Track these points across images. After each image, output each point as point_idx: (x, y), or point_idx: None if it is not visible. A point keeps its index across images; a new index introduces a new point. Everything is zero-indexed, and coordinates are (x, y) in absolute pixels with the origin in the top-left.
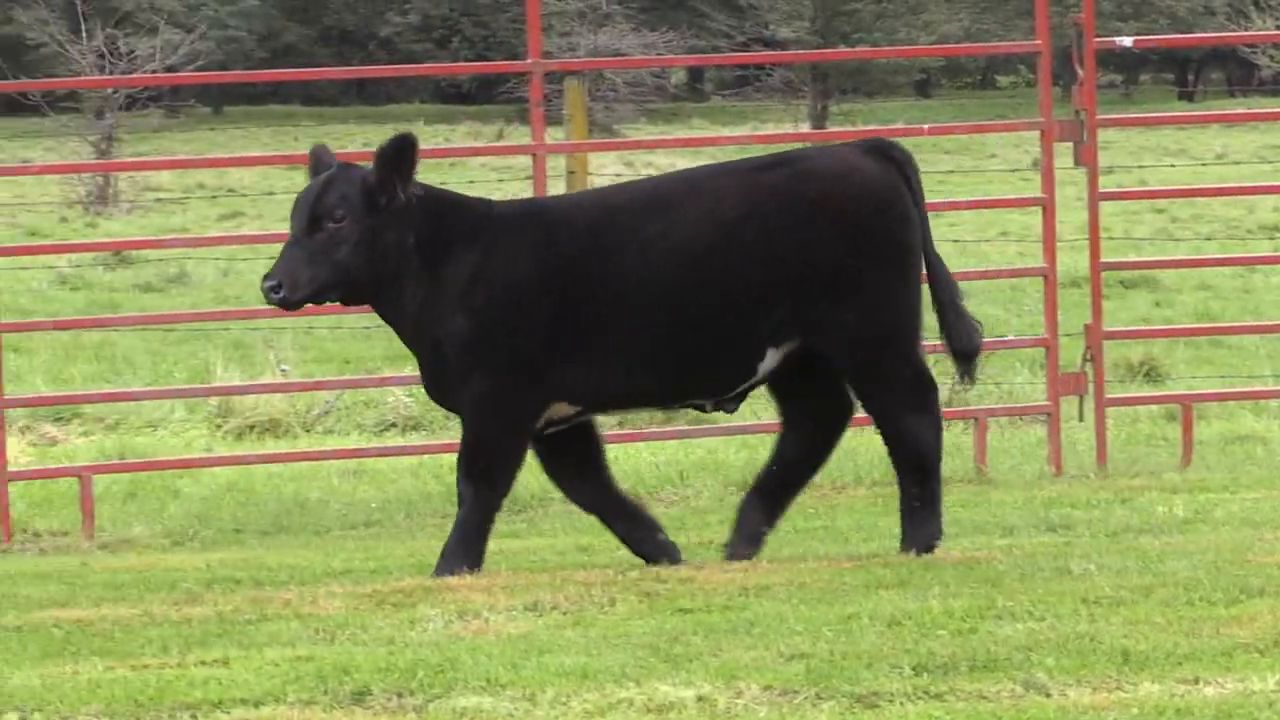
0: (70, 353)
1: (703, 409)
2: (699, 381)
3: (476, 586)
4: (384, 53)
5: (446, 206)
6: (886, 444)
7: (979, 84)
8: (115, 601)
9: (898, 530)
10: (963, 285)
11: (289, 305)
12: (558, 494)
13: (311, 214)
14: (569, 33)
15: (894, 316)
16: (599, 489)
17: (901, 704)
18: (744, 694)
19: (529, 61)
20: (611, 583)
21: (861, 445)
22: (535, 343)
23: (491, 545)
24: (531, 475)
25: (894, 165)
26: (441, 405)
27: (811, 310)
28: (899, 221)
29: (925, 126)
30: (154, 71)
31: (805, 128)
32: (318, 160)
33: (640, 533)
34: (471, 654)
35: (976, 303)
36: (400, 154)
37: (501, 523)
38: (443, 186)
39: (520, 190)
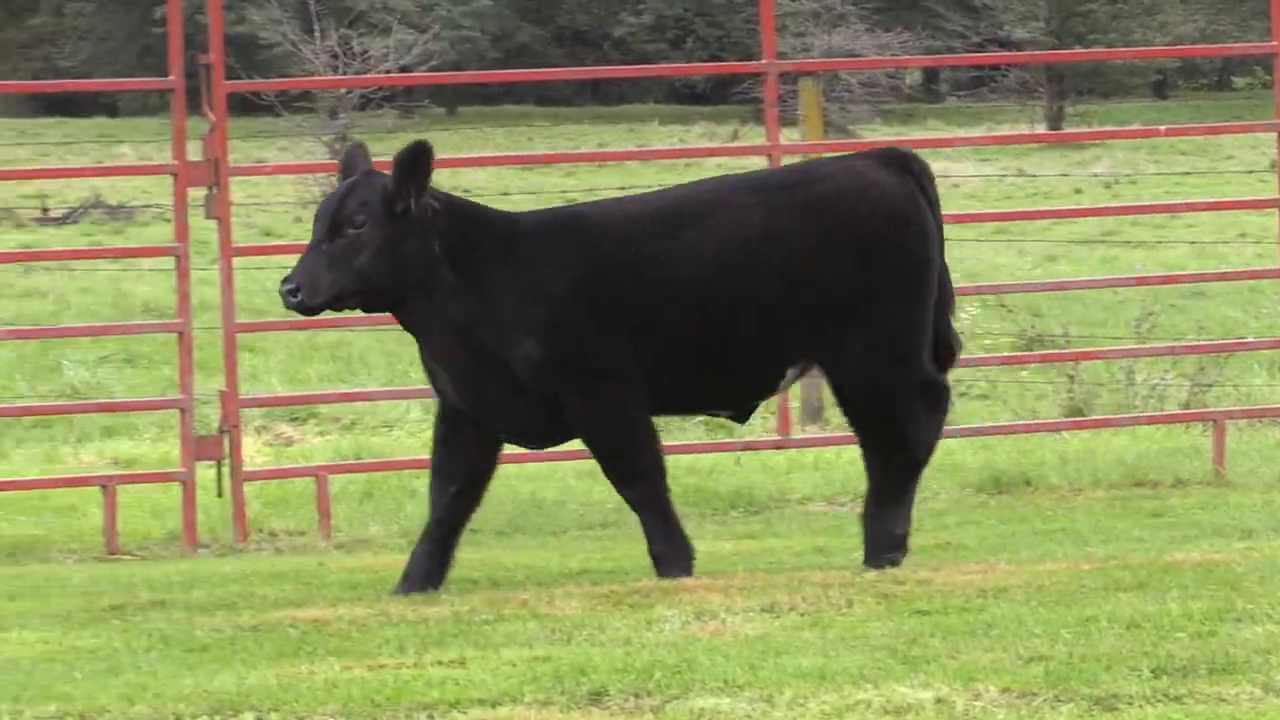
0: (305, 353)
1: (717, 414)
2: (722, 393)
3: (713, 587)
4: (618, 53)
5: (474, 217)
6: (887, 444)
7: (1215, 85)
8: (352, 601)
9: (1137, 533)
10: (1200, 287)
11: (307, 310)
12: (795, 495)
13: (333, 219)
14: (803, 33)
15: (905, 332)
16: (462, 508)
17: (1140, 707)
18: (982, 696)
19: (763, 62)
20: (849, 584)
21: (1099, 447)
22: (604, 344)
23: (727, 546)
24: (769, 477)
25: (911, 177)
26: (478, 416)
27: (825, 328)
28: (917, 237)
29: (1162, 128)
30: (387, 71)
31: (1041, 128)
32: (350, 161)
33: (430, 561)
34: (708, 655)
35: (1214, 304)
36: (416, 162)
37: (738, 524)
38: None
39: None
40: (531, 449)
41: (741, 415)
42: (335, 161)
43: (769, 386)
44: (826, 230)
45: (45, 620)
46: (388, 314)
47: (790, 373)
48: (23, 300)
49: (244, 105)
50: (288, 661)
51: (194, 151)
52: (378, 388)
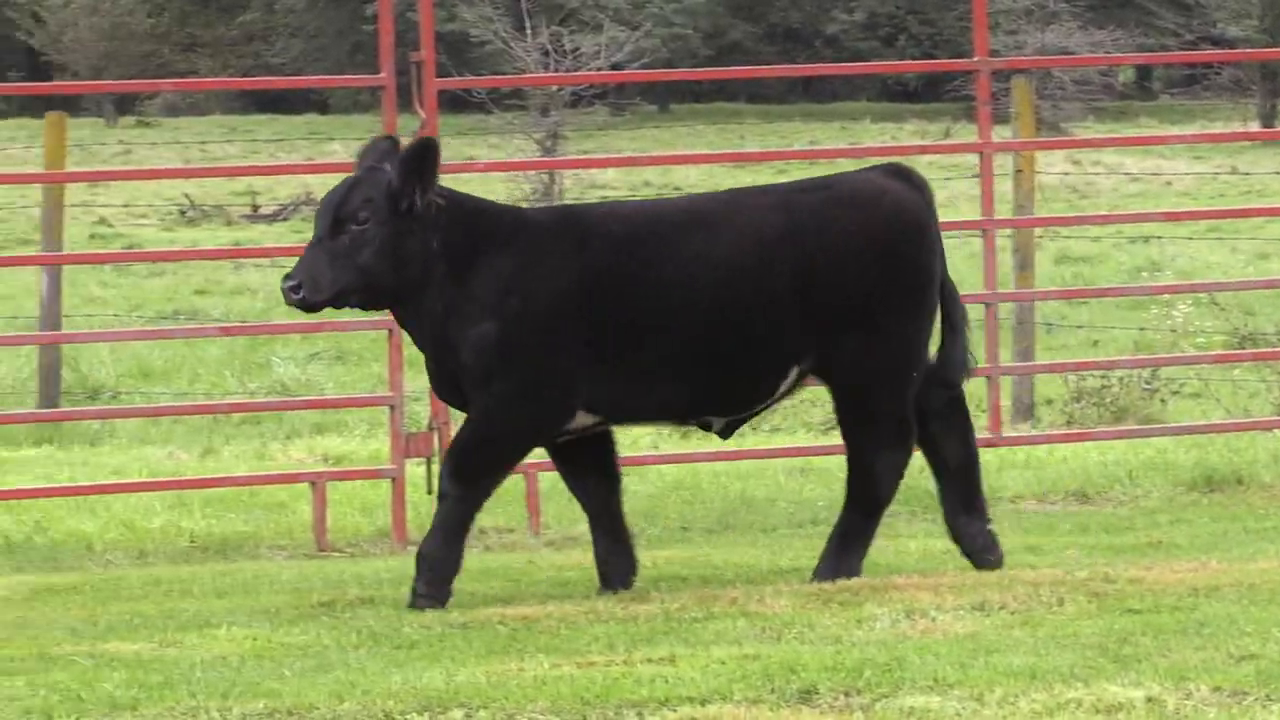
0: None
1: (709, 428)
2: (724, 397)
3: (924, 586)
4: (830, 50)
5: (475, 213)
6: (851, 472)
7: None
8: (561, 599)
9: None
10: None
11: (309, 307)
12: (1006, 493)
13: (335, 216)
14: (1016, 30)
15: (906, 346)
16: (608, 495)
17: None
18: (1193, 695)
19: (976, 60)
20: (1060, 583)
21: None
22: (567, 353)
23: (938, 544)
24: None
25: (918, 191)
26: (453, 405)
27: (834, 334)
28: (929, 249)
29: None
30: (599, 69)
31: (1254, 126)
32: (370, 154)
33: (617, 559)
34: (919, 653)
35: None
36: (423, 159)
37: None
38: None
39: (967, 189)
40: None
41: (728, 429)
42: (546, 159)
43: (769, 390)
44: (844, 233)
45: (254, 617)
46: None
47: (792, 374)
48: (233, 297)
49: (455, 102)
50: (497, 659)
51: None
52: None
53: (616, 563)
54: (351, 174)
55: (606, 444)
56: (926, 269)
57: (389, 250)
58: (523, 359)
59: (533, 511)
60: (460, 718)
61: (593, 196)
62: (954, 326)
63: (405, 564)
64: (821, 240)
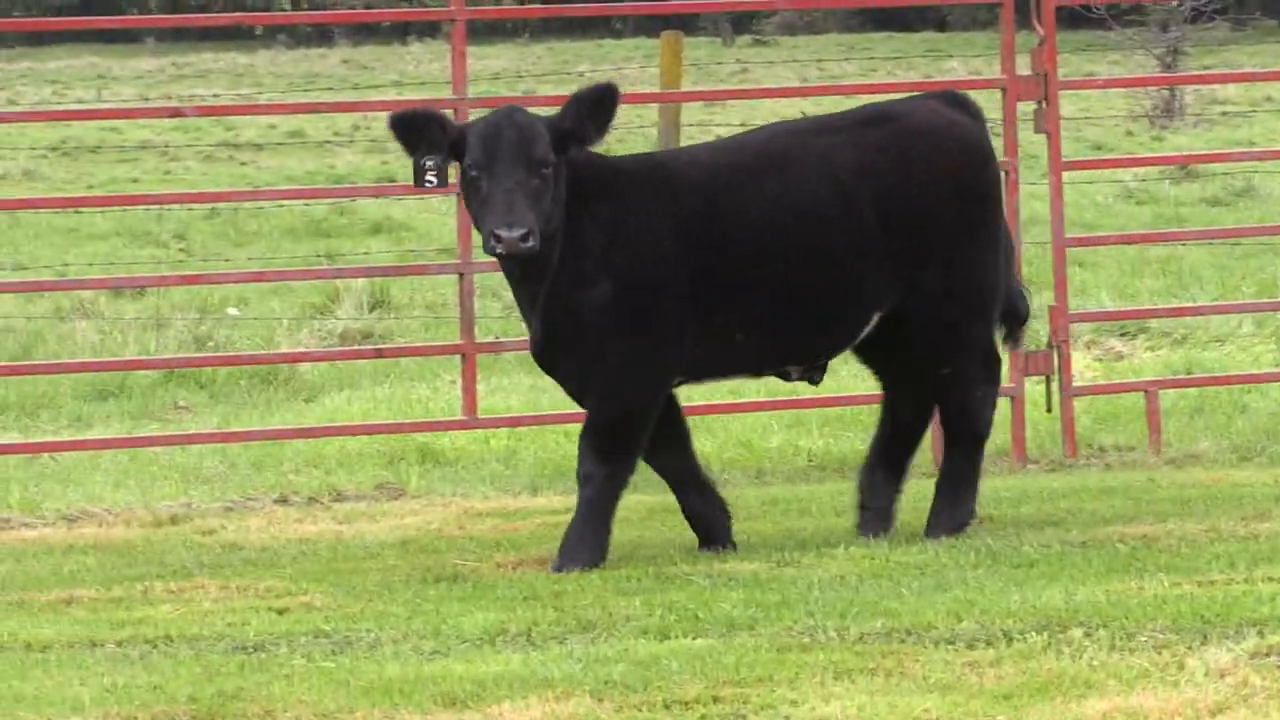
0: (1136, 267)
1: (788, 377)
2: (810, 344)
3: None
4: None
5: (581, 162)
6: (946, 412)
7: None
8: (1181, 517)
9: None
10: None
11: (527, 256)
12: None
13: (529, 158)
14: None
15: (986, 275)
16: (682, 456)
17: None
18: None
19: None
20: None
21: None
22: (676, 306)
23: None
24: None
25: (978, 120)
26: (549, 373)
27: (914, 269)
28: (995, 178)
29: None
30: None
31: None
32: (422, 125)
33: (710, 510)
34: None
35: None
36: (602, 103)
37: None
38: None
39: None
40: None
41: (816, 375)
42: (1166, 75)
43: (854, 334)
44: (919, 165)
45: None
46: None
47: (874, 317)
48: None
49: (1073, 19)
50: (1116, 577)
51: (1023, 66)
52: (1208, 302)
53: (711, 516)
54: (506, 113)
55: (674, 403)
56: (997, 197)
57: (557, 196)
58: (633, 319)
59: (1153, 430)
60: (1079, 636)
61: (1215, 112)
62: (1005, 266)
63: (1024, 482)
64: (898, 176)
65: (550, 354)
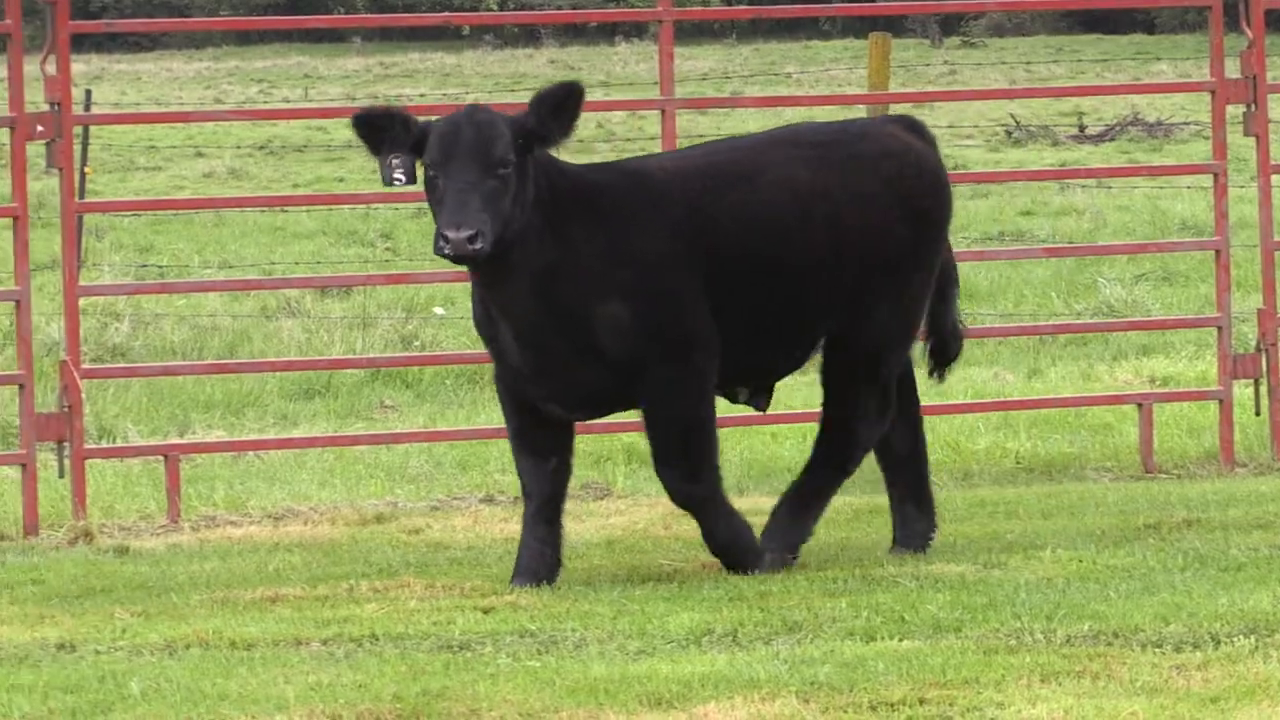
0: None
1: (735, 399)
2: (763, 362)
3: None
4: None
5: (557, 169)
6: (826, 429)
7: None
8: None
9: None
10: None
11: (482, 260)
12: None
13: (487, 158)
14: None
15: (918, 307)
16: (561, 482)
17: None
18: None
19: None
20: None
21: None
22: (690, 310)
23: None
24: None
25: (931, 146)
26: (535, 378)
27: (860, 292)
28: (947, 205)
29: None
30: None
31: None
32: (387, 127)
33: (549, 548)
34: None
35: None
36: (566, 101)
37: None
38: None
39: None
40: (578, 418)
41: (761, 398)
42: None
43: (805, 354)
44: (876, 188)
45: (1079, 538)
46: None
47: (821, 340)
48: (1059, 218)
49: None
50: None
51: (1232, 69)
52: None
53: (546, 552)
54: (467, 114)
55: (569, 430)
56: (941, 224)
57: (520, 196)
58: (661, 332)
59: None
60: None
61: None
62: (943, 295)
63: (1232, 486)
64: (853, 197)
65: (542, 368)
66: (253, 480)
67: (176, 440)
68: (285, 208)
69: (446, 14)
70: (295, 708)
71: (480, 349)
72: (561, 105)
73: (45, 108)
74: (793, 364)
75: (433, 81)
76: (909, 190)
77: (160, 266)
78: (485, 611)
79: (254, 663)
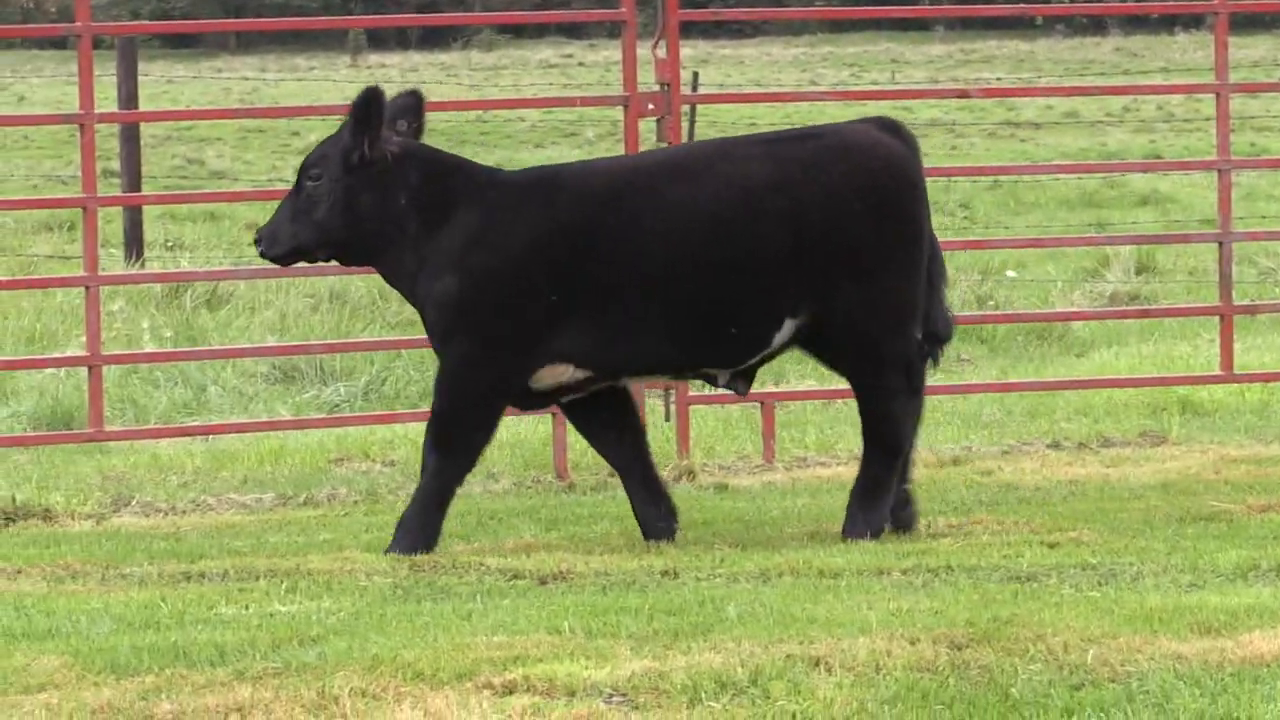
0: None
1: (714, 381)
2: (714, 349)
3: None
4: None
5: (448, 169)
6: (865, 420)
7: None
8: None
9: None
10: None
11: (271, 260)
12: None
13: (299, 172)
14: None
15: (906, 294)
16: (630, 450)
17: None
18: None
19: None
20: None
21: None
22: (531, 309)
23: None
24: None
25: (907, 144)
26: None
27: (831, 284)
28: (921, 200)
29: None
30: None
31: None
32: (390, 107)
33: (651, 507)
34: None
35: None
36: (368, 109)
37: None
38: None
39: None
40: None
41: (741, 383)
42: None
43: (763, 342)
44: (837, 182)
45: None
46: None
47: (788, 325)
48: None
49: None
50: None
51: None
52: None
53: (655, 513)
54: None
55: (623, 397)
56: (919, 220)
57: (342, 206)
58: (481, 315)
59: None
60: None
61: None
62: (933, 285)
63: None
64: (812, 192)
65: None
66: (841, 425)
67: (772, 389)
68: None
69: (1022, 5)
70: (877, 631)
71: (1050, 308)
72: (364, 117)
73: (656, 88)
74: (753, 349)
75: (1008, 66)
76: (870, 183)
77: None
78: (1050, 546)
79: (839, 590)
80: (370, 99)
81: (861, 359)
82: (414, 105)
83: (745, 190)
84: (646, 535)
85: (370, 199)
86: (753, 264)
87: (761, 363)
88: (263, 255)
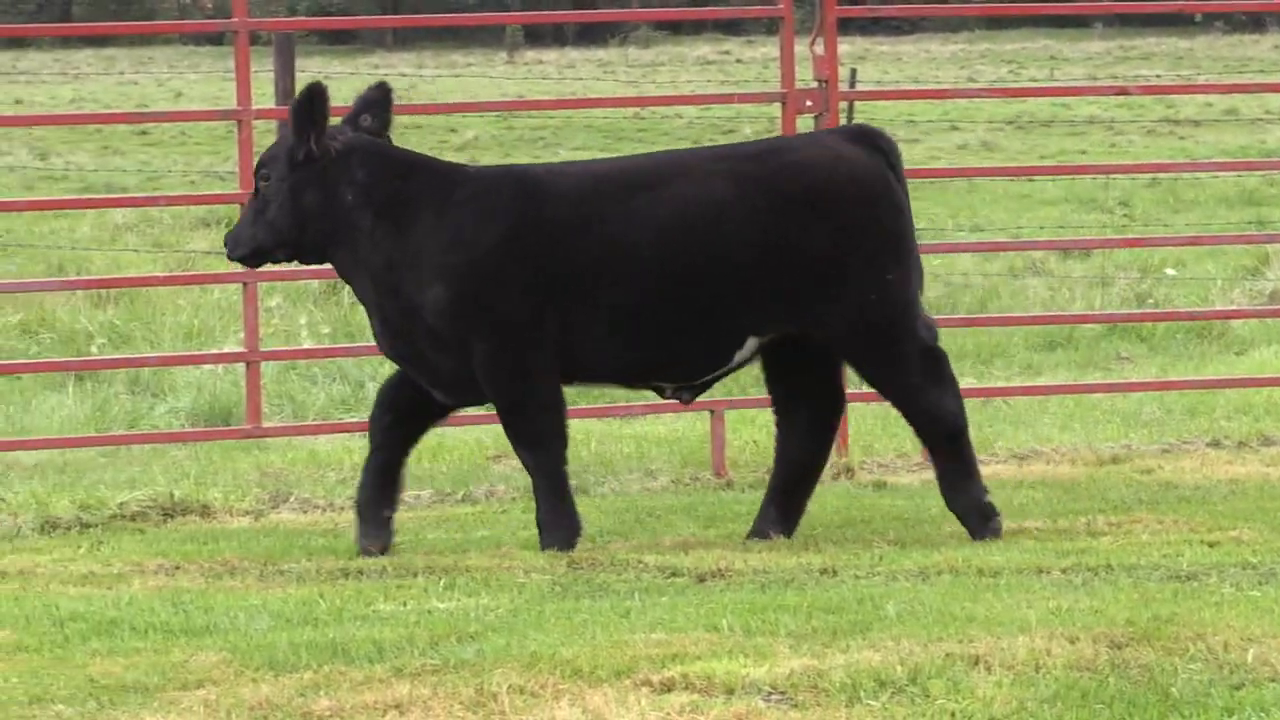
0: None
1: (661, 393)
2: (671, 363)
3: None
4: None
5: (403, 165)
6: (910, 422)
7: None
8: None
9: None
10: None
11: (238, 262)
12: None
13: (255, 173)
14: None
15: (890, 303)
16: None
17: None
18: None
19: None
20: None
21: None
22: (515, 308)
23: None
24: None
25: (880, 154)
26: (398, 364)
27: (806, 303)
28: (890, 211)
29: None
30: None
31: None
32: (358, 101)
33: (381, 507)
34: None
35: None
36: (309, 106)
37: None
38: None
39: None
40: (456, 403)
41: (686, 394)
42: None
43: (723, 358)
44: (796, 199)
45: None
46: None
47: (750, 343)
48: None
49: None
50: None
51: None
52: None
53: (383, 515)
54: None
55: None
56: (892, 229)
57: (290, 206)
58: (479, 318)
59: None
60: None
61: None
62: None
63: None
64: (769, 209)
65: (392, 346)
66: (1000, 423)
67: None
68: (1032, 177)
69: (1181, 2)
70: (1036, 629)
71: (1209, 306)
72: (305, 114)
73: (813, 85)
74: (712, 367)
75: (1167, 64)
76: (833, 203)
77: (917, 229)
78: (1210, 545)
79: (999, 588)
80: (311, 96)
81: (873, 366)
82: (380, 99)
83: (702, 206)
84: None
85: (315, 197)
86: (708, 281)
87: (717, 379)
88: (229, 258)
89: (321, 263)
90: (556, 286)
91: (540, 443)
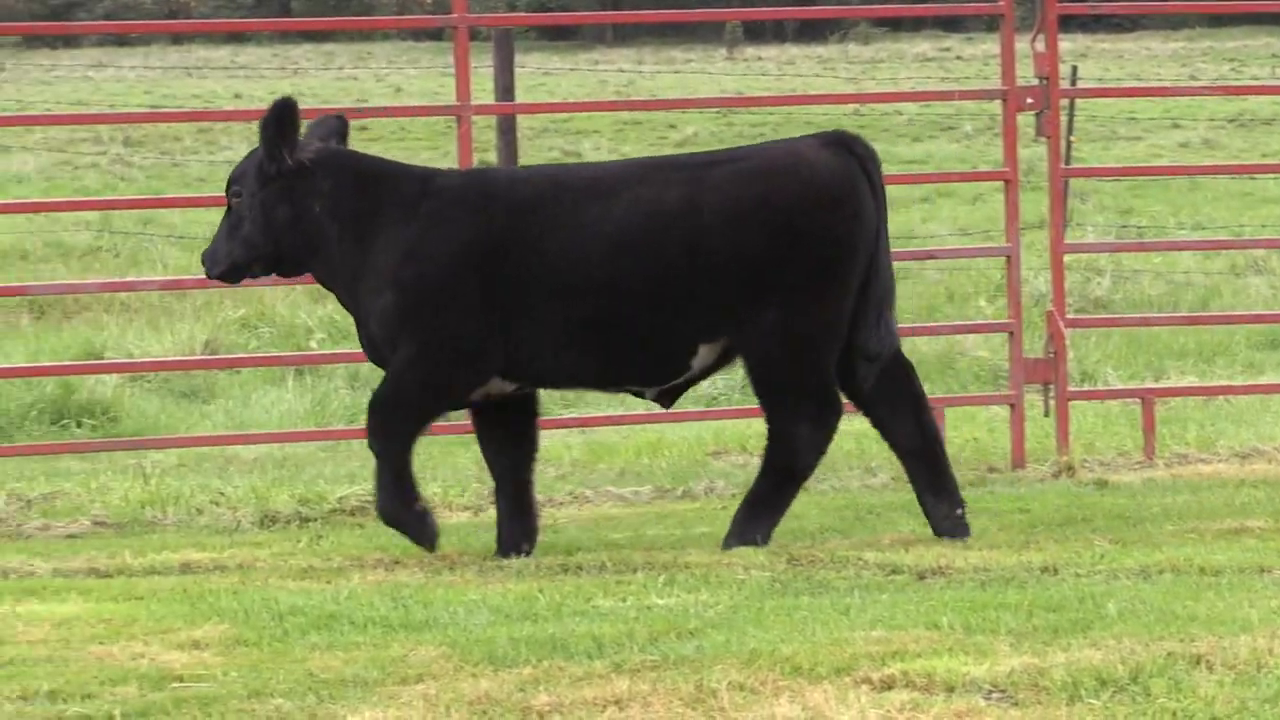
0: None
1: (642, 395)
2: (628, 368)
3: None
4: None
5: (372, 174)
6: (769, 440)
7: None
8: None
9: None
10: None
11: (217, 279)
12: None
13: (226, 191)
14: None
15: (818, 320)
16: (515, 463)
17: None
18: None
19: None
20: None
21: None
22: (467, 317)
23: None
24: None
25: (855, 160)
26: (379, 366)
27: (736, 306)
28: (847, 220)
29: None
30: None
31: None
32: (320, 128)
33: (516, 523)
34: None
35: None
36: (280, 121)
37: None
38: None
39: None
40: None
41: (665, 399)
42: None
43: (679, 364)
44: (742, 206)
45: None
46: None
47: (703, 350)
48: None
49: None
50: None
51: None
52: None
53: (519, 530)
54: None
55: (529, 412)
56: (845, 240)
57: (262, 221)
58: (423, 324)
59: None
60: None
61: None
62: (875, 304)
63: None
64: (719, 215)
65: (371, 353)
66: (1222, 422)
67: (1152, 384)
68: (1254, 175)
69: None
70: (1259, 629)
71: None
72: (276, 129)
73: (1034, 82)
74: (675, 373)
75: None
76: (782, 209)
77: (1139, 227)
78: None
79: (1221, 588)
80: (281, 111)
81: (768, 382)
82: (338, 129)
83: (650, 214)
84: (502, 548)
85: (285, 210)
86: (656, 287)
87: (689, 384)
88: (208, 276)
89: (301, 274)
90: (507, 297)
91: (394, 440)
